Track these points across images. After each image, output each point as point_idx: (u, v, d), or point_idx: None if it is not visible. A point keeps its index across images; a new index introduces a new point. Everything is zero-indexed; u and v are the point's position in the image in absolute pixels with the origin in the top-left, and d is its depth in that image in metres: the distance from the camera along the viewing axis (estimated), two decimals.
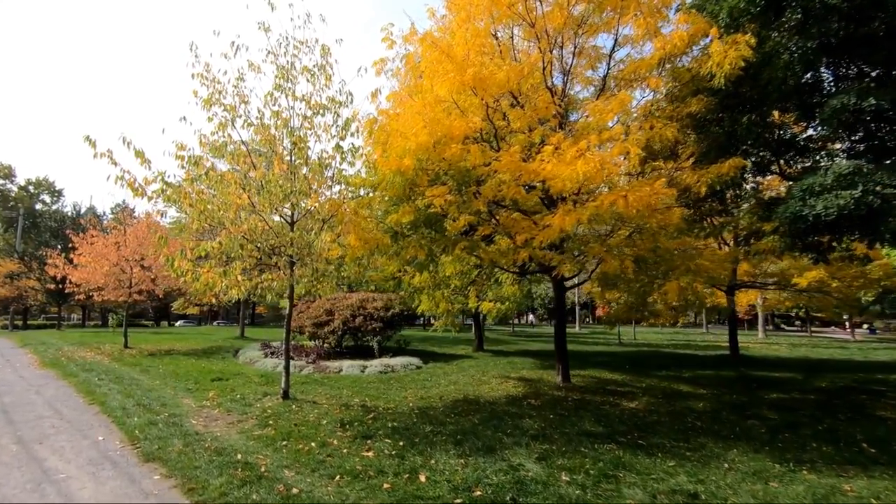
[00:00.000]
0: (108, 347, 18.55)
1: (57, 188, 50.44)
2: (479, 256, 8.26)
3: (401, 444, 6.15)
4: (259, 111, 8.22)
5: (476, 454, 5.76)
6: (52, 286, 23.43)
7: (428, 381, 11.37)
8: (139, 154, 7.55)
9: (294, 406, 8.37)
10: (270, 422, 7.35)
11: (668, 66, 8.22)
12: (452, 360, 15.58)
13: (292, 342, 18.02)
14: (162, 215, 7.59)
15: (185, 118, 8.00)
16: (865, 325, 65.89)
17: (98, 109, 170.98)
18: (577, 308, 50.92)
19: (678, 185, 7.97)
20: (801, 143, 10.21)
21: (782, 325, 69.16)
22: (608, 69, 9.00)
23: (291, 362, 13.40)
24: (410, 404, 8.72)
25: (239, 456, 5.75)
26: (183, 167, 7.80)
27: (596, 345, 25.57)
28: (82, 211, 43.95)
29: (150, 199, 7.59)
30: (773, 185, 13.99)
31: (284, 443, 6.26)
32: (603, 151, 6.57)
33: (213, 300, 7.58)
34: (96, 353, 16.45)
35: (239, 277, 7.46)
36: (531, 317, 68.46)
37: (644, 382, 11.44)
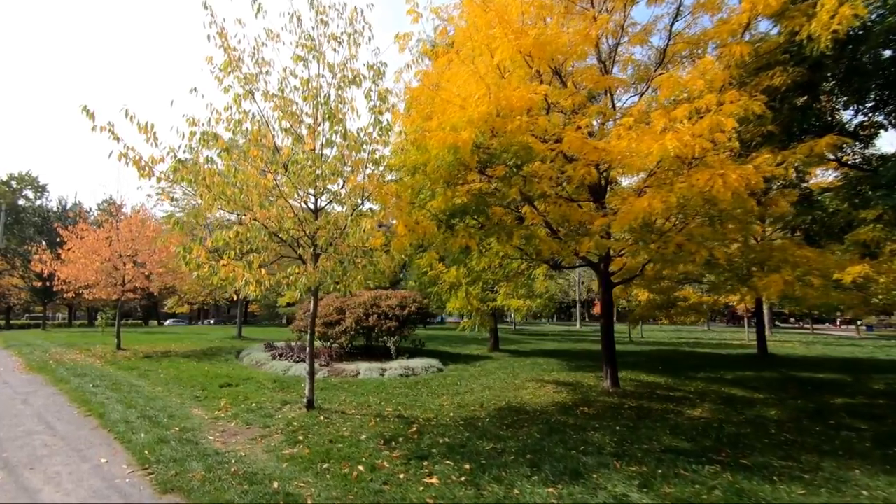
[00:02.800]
0: (100, 349, 17.34)
1: (41, 183, 48.62)
2: (537, 247, 7.34)
3: (466, 466, 5.19)
4: (280, 81, 7.21)
5: (562, 480, 4.82)
6: (38, 283, 22.04)
7: (458, 385, 10.42)
8: (144, 128, 6.52)
9: (322, 417, 7.38)
10: (300, 437, 6.35)
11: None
12: (473, 362, 14.64)
13: (297, 343, 17.05)
14: (172, 200, 6.52)
15: (195, 90, 6.96)
16: (860, 323, 66.21)
17: (87, 97, 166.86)
18: (578, 305, 50.25)
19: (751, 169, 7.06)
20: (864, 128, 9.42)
21: (776, 322, 69.12)
22: (669, 40, 8.10)
23: (301, 365, 12.40)
24: (451, 414, 7.77)
25: (276, 484, 4.76)
26: (190, 148, 6.76)
27: None
28: (68, 206, 42.22)
29: (158, 179, 6.54)
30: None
31: (325, 465, 5.27)
32: (686, 125, 5.65)
33: (235, 296, 6.54)
34: (87, 356, 15.27)
35: (262, 271, 6.45)
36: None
37: (691, 386, 10.60)
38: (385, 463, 5.32)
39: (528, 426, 7.01)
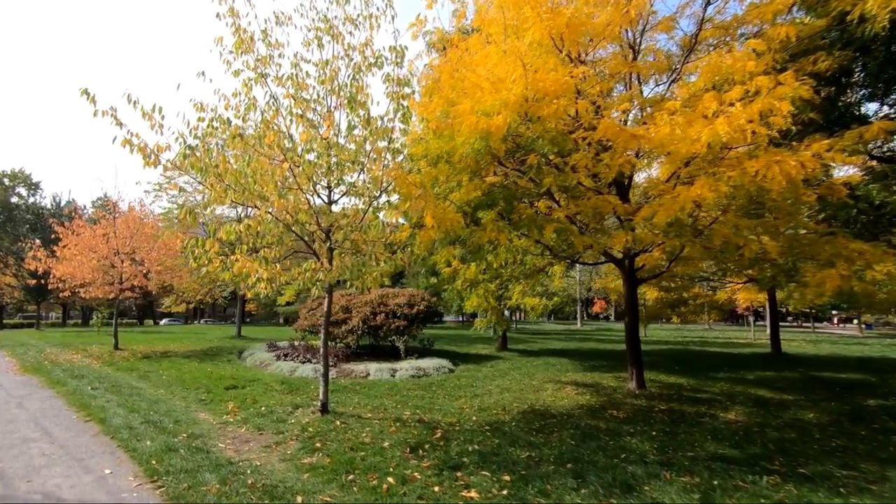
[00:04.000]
0: (96, 349, 16.82)
1: (33, 181, 47.76)
2: (569, 241, 6.93)
3: (505, 477, 4.77)
4: (294, 65, 6.76)
5: (613, 494, 4.42)
6: (33, 281, 21.46)
7: (474, 387, 10.00)
8: (148, 114, 6.07)
9: (338, 422, 6.94)
10: (318, 444, 5.92)
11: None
12: (483, 362, 14.22)
13: (301, 343, 16.57)
14: (179, 190, 6.07)
15: (203, 73, 6.51)
16: (855, 321, 66.18)
17: (78, 91, 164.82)
18: (579, 304, 49.91)
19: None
20: None
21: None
22: (700, 26, 7.70)
23: (308, 366, 11.95)
24: (474, 418, 7.35)
25: (299, 499, 4.34)
26: (196, 136, 6.30)
27: (612, 342, 24.44)
28: (62, 203, 41.49)
29: (165, 168, 6.09)
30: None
31: (350, 477, 4.85)
32: (739, 108, 5.25)
33: (248, 293, 6.10)
34: (83, 356, 14.77)
35: (277, 268, 6.01)
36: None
37: (715, 387, 10.21)
38: (416, 474, 4.89)
39: (558, 431, 6.60)
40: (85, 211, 38.77)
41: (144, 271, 16.80)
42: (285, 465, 5.28)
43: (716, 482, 4.69)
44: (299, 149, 5.96)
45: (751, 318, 38.39)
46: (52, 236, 17.40)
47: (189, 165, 5.69)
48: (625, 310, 9.40)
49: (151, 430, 6.47)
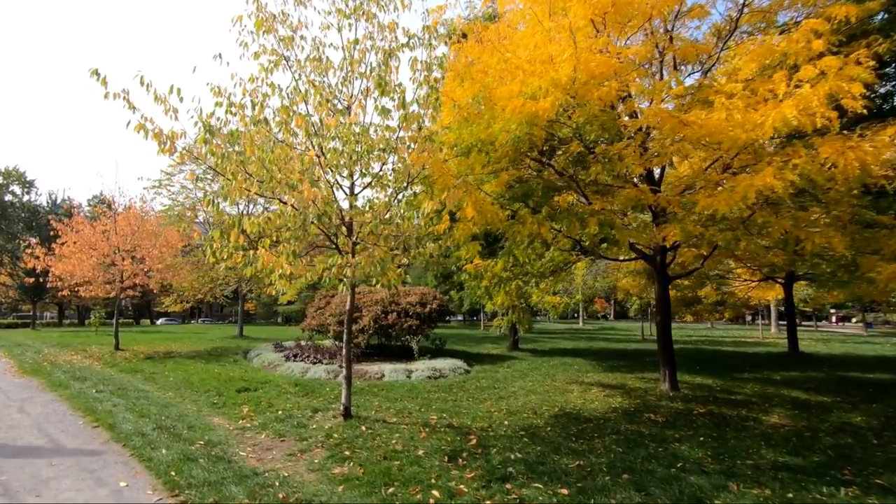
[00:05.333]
0: (96, 349, 16.30)
1: (28, 179, 46.94)
2: (613, 236, 6.53)
3: (562, 491, 4.37)
4: (316, 47, 6.34)
5: None
6: (32, 280, 20.90)
7: (496, 388, 9.61)
8: (162, 99, 5.65)
9: (363, 427, 6.53)
10: (346, 452, 5.51)
11: None
12: (498, 362, 13.83)
13: (308, 342, 16.11)
14: (195, 180, 5.66)
15: (219, 56, 6.08)
16: (854, 319, 66.15)
17: (83, 92, 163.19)
18: (581, 303, 49.53)
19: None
20: None
21: (779, 321, 68.80)
22: (741, 10, 7.32)
23: (320, 367, 11.52)
24: (505, 423, 6.95)
25: None
26: (206, 128, 5.86)
27: (620, 341, 24.11)
28: (58, 201, 40.81)
29: (181, 157, 5.67)
30: None
31: (390, 490, 4.44)
32: (807, 90, 4.87)
33: (273, 292, 5.68)
34: (83, 357, 14.27)
35: (302, 262, 5.60)
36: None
37: (746, 388, 9.86)
38: (462, 486, 4.49)
39: (599, 437, 6.22)
40: (81, 210, 38.11)
41: (146, 269, 16.30)
42: (315, 476, 4.87)
43: (790, 495, 4.31)
44: (327, 134, 5.53)
45: (757, 318, 38.10)
46: (52, 233, 16.87)
47: (209, 153, 5.25)
48: (655, 309, 9.03)
49: (165, 437, 6.04)
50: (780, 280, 16.04)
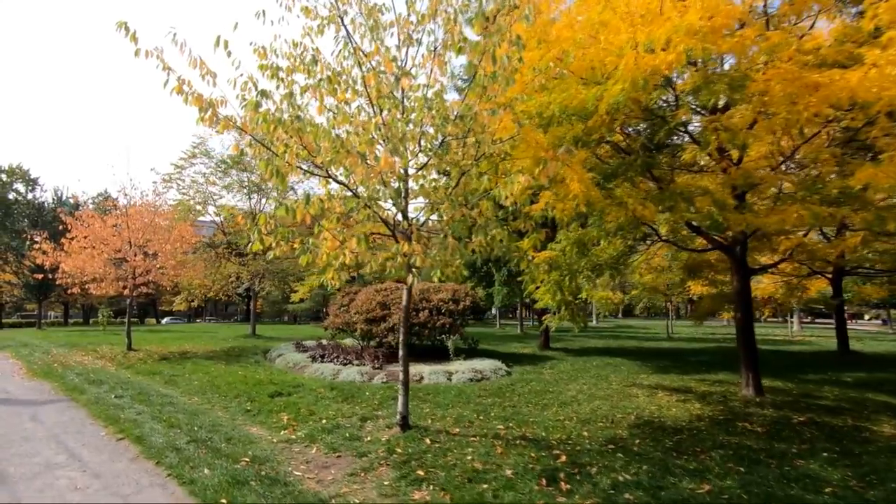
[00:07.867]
0: (107, 349, 15.49)
1: (32, 177, 46.19)
2: (726, 219, 5.66)
3: None
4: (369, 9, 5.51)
5: None
6: (40, 276, 20.09)
7: (551, 392, 8.79)
8: (199, 62, 4.84)
9: (427, 440, 5.70)
10: (419, 472, 4.69)
11: None
12: (537, 363, 13.01)
13: (330, 342, 15.30)
14: (241, 154, 4.87)
15: (262, 13, 5.25)
16: (868, 317, 65.09)
17: (83, 90, 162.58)
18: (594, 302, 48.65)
19: None
20: None
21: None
22: None
23: (352, 368, 10.70)
24: (585, 433, 6.11)
25: None
26: (246, 98, 5.04)
27: (647, 340, 23.27)
28: (63, 198, 40.09)
29: (223, 126, 4.84)
30: None
31: None
32: None
33: (333, 283, 4.85)
34: (95, 358, 13.47)
35: (363, 248, 4.77)
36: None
37: (825, 391, 9.01)
38: None
39: (703, 452, 5.38)
40: (87, 207, 37.25)
41: (158, 265, 15.48)
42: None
43: None
44: (402, 97, 4.70)
45: (777, 315, 37.15)
46: (60, 227, 16.06)
47: (261, 118, 4.43)
48: (734, 305, 8.18)
49: (203, 453, 5.23)
50: (827, 275, 15.16)
